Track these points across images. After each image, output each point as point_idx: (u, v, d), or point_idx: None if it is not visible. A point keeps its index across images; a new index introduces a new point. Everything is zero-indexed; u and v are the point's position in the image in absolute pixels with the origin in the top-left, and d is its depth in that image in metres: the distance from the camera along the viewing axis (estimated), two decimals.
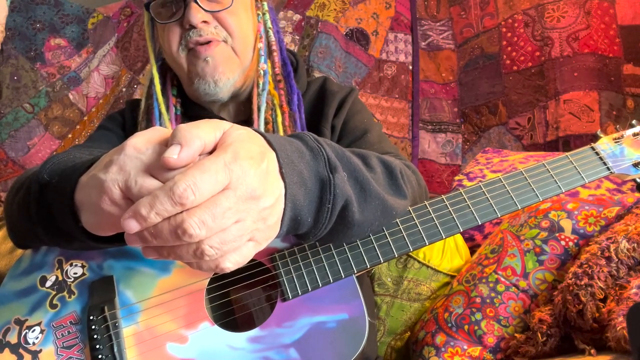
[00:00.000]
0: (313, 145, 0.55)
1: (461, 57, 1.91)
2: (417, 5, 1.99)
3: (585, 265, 0.84)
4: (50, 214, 0.57)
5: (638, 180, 0.75)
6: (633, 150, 0.74)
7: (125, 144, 0.45)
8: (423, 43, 1.97)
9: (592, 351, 0.77)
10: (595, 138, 0.79)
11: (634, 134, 0.76)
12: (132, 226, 0.41)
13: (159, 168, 0.43)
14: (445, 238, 0.68)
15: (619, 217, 0.96)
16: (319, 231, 0.56)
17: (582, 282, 0.82)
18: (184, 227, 0.40)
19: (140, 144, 0.44)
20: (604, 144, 0.76)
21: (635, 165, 0.73)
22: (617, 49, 1.57)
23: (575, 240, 0.95)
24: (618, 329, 0.72)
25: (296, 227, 0.53)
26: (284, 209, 0.48)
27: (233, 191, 0.42)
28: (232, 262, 0.45)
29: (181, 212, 0.41)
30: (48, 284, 0.68)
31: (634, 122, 0.78)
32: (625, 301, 0.76)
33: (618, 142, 0.75)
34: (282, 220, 0.49)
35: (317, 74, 1.86)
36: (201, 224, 0.40)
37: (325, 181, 0.53)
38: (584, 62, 1.61)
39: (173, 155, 0.41)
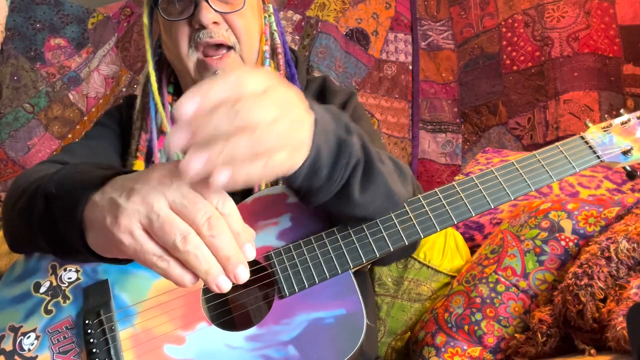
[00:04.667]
0: (335, 111, 0.60)
1: (461, 57, 1.91)
2: (417, 5, 1.99)
3: (585, 266, 0.84)
4: (55, 227, 0.56)
5: (627, 168, 0.76)
6: (622, 138, 0.75)
7: (150, 175, 0.44)
8: (423, 43, 1.97)
9: (592, 351, 0.77)
10: (584, 128, 0.79)
11: (622, 123, 0.76)
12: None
13: (182, 205, 0.43)
14: (440, 230, 0.69)
15: (619, 217, 0.95)
16: (330, 187, 0.59)
17: (582, 282, 0.82)
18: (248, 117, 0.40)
19: (166, 177, 0.44)
20: (593, 133, 0.76)
21: (625, 153, 0.74)
22: (617, 49, 1.57)
23: (575, 241, 0.95)
24: (618, 329, 0.72)
25: (312, 176, 0.55)
26: (309, 151, 0.50)
27: (273, 90, 0.43)
28: (254, 172, 0.42)
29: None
30: (42, 289, 0.67)
31: (622, 111, 0.78)
32: (625, 301, 0.76)
33: (607, 130, 0.76)
34: (307, 154, 0.50)
35: (317, 74, 1.86)
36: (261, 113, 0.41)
37: (343, 141, 0.57)
38: (584, 62, 1.61)
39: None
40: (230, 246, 0.43)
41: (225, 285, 0.43)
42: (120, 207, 0.44)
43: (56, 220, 0.55)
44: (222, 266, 0.43)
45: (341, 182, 0.59)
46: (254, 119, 0.40)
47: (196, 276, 0.43)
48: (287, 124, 0.44)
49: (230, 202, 0.45)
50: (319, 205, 0.62)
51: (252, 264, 0.67)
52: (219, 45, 0.85)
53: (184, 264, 0.43)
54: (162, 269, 0.43)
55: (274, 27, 0.95)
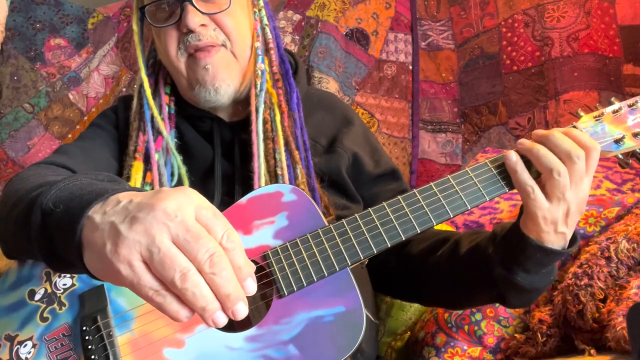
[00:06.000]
0: None
1: (461, 57, 1.91)
2: (417, 5, 1.99)
3: (585, 266, 0.84)
4: (52, 242, 0.54)
5: (619, 156, 0.76)
6: (614, 127, 0.74)
7: (155, 204, 0.44)
8: (423, 43, 1.97)
9: (592, 351, 0.77)
10: (576, 117, 0.79)
11: (614, 111, 0.76)
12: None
13: (185, 241, 0.42)
14: (436, 224, 0.69)
15: (619, 218, 0.96)
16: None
17: (582, 282, 0.82)
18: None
19: (171, 210, 0.43)
20: (585, 122, 0.76)
21: (616, 141, 0.74)
22: (617, 49, 1.56)
23: None
24: (618, 329, 0.72)
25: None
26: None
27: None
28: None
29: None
30: (37, 297, 0.67)
31: (612, 99, 0.78)
32: (625, 301, 0.76)
33: (599, 120, 0.76)
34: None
35: (317, 74, 1.86)
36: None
37: None
38: (584, 62, 1.61)
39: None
40: (230, 283, 0.42)
41: (221, 321, 0.42)
42: (121, 235, 0.43)
43: (53, 236, 0.53)
44: (220, 302, 0.42)
45: None
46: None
47: (192, 311, 0.43)
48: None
49: (235, 235, 0.45)
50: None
51: None
52: (209, 48, 0.85)
53: (181, 299, 0.43)
54: (158, 303, 0.43)
55: (265, 21, 0.94)
